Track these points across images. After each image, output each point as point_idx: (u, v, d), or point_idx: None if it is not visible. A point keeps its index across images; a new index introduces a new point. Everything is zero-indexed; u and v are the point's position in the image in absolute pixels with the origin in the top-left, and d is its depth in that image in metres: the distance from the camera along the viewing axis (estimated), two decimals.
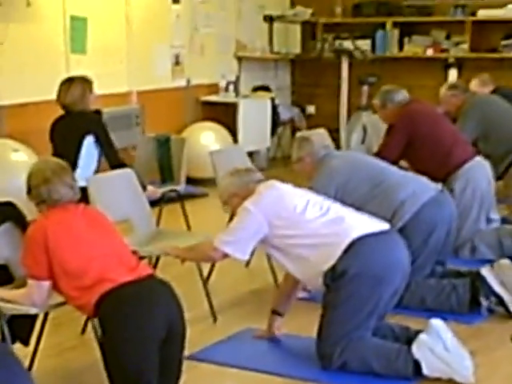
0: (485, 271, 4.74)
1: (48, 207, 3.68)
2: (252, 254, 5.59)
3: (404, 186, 4.88)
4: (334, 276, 4.02)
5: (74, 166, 5.46)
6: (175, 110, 8.61)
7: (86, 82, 5.66)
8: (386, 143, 5.91)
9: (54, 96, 7.28)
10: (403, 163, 5.99)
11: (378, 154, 5.83)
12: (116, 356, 3.43)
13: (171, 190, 6.34)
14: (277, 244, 4.16)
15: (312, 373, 4.07)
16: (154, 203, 5.83)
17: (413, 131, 5.77)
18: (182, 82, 8.73)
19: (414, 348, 3.96)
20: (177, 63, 8.71)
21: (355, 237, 4.02)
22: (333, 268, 4.00)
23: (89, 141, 5.52)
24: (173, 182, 6.46)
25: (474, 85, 7.28)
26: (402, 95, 5.97)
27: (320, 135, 5.16)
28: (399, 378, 3.97)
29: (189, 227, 6.19)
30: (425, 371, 3.93)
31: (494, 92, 7.29)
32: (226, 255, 4.27)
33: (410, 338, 4.05)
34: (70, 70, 7.51)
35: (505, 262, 4.82)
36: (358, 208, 4.66)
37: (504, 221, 6.52)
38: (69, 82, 5.68)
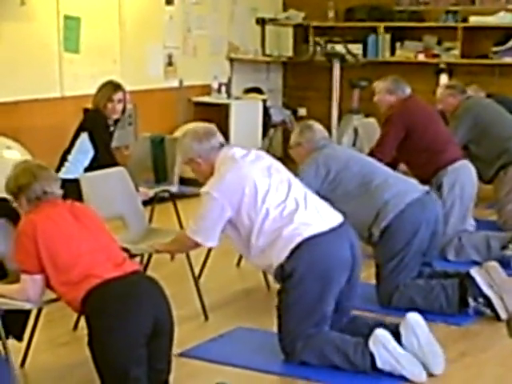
0: (474, 272, 4.78)
1: (36, 205, 3.69)
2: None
3: (390, 186, 4.92)
4: (283, 275, 4.08)
5: (63, 159, 5.55)
6: (167, 110, 8.64)
7: (109, 88, 5.71)
8: (384, 135, 5.98)
9: (46, 94, 7.38)
10: (402, 167, 6.04)
11: (377, 147, 5.90)
12: (103, 352, 3.46)
13: (163, 190, 6.37)
14: (240, 231, 4.16)
15: (303, 370, 4.11)
16: (146, 203, 5.87)
17: (411, 125, 5.83)
18: (175, 83, 8.75)
19: (370, 342, 4.04)
20: (169, 64, 8.73)
21: (306, 236, 4.05)
22: (282, 267, 4.06)
23: (83, 137, 5.59)
24: (166, 181, 6.49)
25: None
26: (409, 90, 6.04)
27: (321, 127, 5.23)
28: (358, 371, 4.05)
29: (181, 226, 6.22)
30: (378, 364, 4.01)
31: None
32: (199, 244, 4.30)
33: (371, 332, 4.09)
34: (62, 69, 7.55)
35: (492, 263, 4.86)
36: (342, 201, 4.78)
37: (493, 226, 6.59)
38: (100, 85, 5.77)
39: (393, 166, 5.63)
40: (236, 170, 4.17)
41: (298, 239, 4.04)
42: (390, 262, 4.88)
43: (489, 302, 4.75)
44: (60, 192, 3.77)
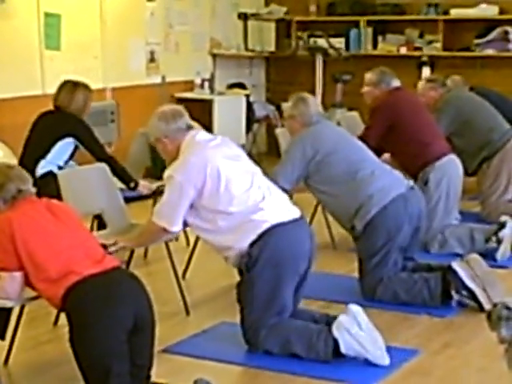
0: (456, 265, 4.79)
1: (12, 204, 3.65)
2: None
3: (376, 179, 4.92)
4: (248, 263, 4.09)
5: (42, 156, 5.50)
6: (150, 106, 8.45)
7: (89, 92, 5.67)
8: (369, 126, 5.97)
9: (28, 92, 7.35)
10: (386, 156, 6.04)
11: (361, 136, 5.86)
12: (84, 348, 3.44)
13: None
14: (202, 213, 4.17)
15: (285, 364, 4.10)
16: (147, 197, 5.87)
17: (394, 117, 5.80)
18: (157, 79, 8.72)
19: (334, 328, 4.06)
20: (152, 60, 8.71)
21: (273, 223, 4.09)
22: (248, 254, 4.08)
23: (67, 141, 5.54)
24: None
25: (448, 83, 7.35)
26: (397, 83, 6.03)
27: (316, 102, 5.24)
28: (319, 358, 4.07)
29: None
30: (342, 350, 4.03)
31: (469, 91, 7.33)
32: (166, 229, 4.26)
33: (329, 321, 4.15)
34: (44, 66, 7.51)
35: (474, 256, 4.87)
36: (325, 182, 4.86)
37: (476, 217, 6.61)
38: (73, 87, 5.66)
39: (377, 153, 5.60)
40: (200, 153, 4.18)
41: (266, 225, 4.07)
42: (373, 257, 4.88)
43: (472, 295, 4.76)
44: (34, 190, 3.75)
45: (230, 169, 4.17)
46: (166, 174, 4.20)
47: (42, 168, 5.49)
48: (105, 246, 4.08)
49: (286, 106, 5.29)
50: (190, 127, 4.32)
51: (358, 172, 4.91)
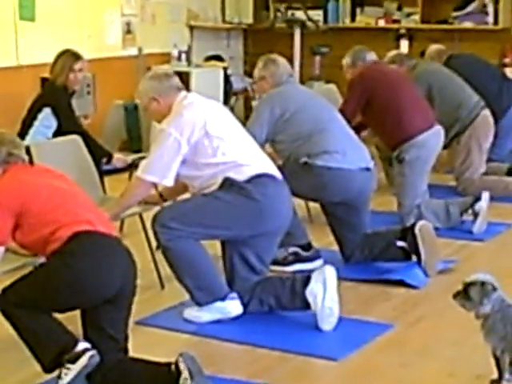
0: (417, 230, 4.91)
1: (4, 170, 3.58)
2: None
3: (343, 140, 4.94)
4: (233, 184, 4.14)
5: (24, 133, 5.48)
6: (127, 78, 8.50)
7: (69, 58, 5.62)
8: (346, 99, 5.91)
9: (2, 63, 7.26)
10: (364, 134, 6.03)
11: (339, 110, 5.82)
12: (65, 280, 3.38)
13: (141, 158, 6.26)
14: (192, 165, 4.21)
15: (260, 339, 4.10)
16: (122, 170, 5.83)
17: (371, 88, 5.73)
18: (134, 51, 8.65)
19: (315, 271, 4.18)
20: (128, 32, 8.64)
21: (260, 172, 4.18)
22: (229, 179, 4.14)
23: (46, 112, 5.50)
24: (142, 150, 6.36)
25: (429, 54, 7.31)
26: (373, 56, 6.00)
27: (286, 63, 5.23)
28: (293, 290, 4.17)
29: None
30: (307, 289, 4.11)
31: (448, 60, 7.22)
32: (153, 184, 4.32)
33: (295, 280, 4.24)
34: (18, 37, 7.42)
35: (424, 222, 5.01)
36: (290, 143, 4.92)
37: (452, 191, 6.61)
38: (57, 55, 5.68)
39: (357, 131, 5.57)
40: (192, 109, 4.24)
41: (255, 170, 4.17)
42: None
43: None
44: (26, 157, 3.71)
45: (222, 127, 4.24)
46: (159, 127, 4.23)
47: (30, 139, 5.45)
48: None
49: (256, 69, 5.24)
50: (180, 88, 4.38)
51: (323, 130, 4.90)
